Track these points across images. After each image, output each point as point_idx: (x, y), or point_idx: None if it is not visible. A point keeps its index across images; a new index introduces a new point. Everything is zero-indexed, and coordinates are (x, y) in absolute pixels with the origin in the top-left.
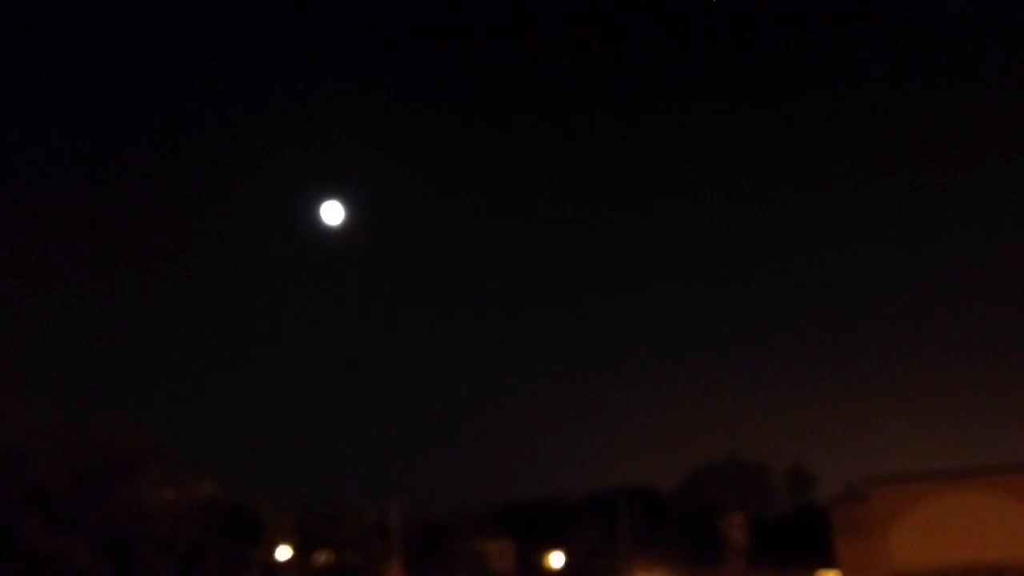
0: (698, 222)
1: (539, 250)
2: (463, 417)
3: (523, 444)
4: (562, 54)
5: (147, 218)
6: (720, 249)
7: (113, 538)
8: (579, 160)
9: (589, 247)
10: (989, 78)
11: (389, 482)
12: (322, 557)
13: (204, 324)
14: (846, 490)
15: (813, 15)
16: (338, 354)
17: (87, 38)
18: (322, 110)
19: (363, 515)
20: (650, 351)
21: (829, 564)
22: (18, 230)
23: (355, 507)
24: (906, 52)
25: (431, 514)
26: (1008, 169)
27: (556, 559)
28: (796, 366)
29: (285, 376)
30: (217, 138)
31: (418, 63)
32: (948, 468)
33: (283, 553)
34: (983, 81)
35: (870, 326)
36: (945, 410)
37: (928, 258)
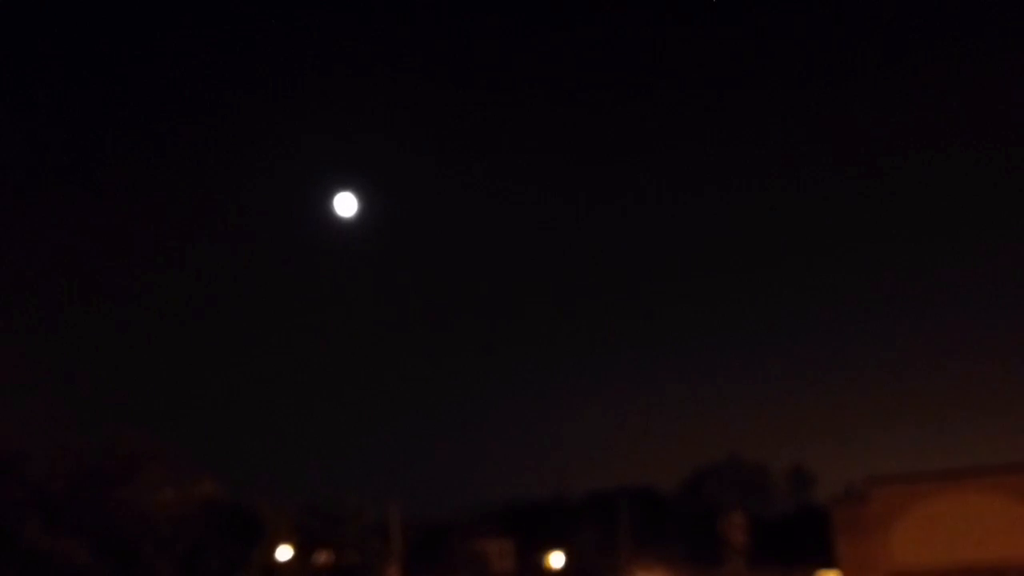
0: (697, 221)
1: (541, 248)
2: (463, 417)
3: (523, 444)
4: (581, 42)
5: (149, 216)
6: (720, 248)
7: (113, 538)
8: (587, 156)
9: (590, 246)
10: (987, 69)
11: (389, 482)
12: (322, 557)
13: (205, 323)
14: (846, 490)
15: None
16: (339, 353)
17: (98, 32)
18: (333, 101)
19: (363, 515)
20: (650, 351)
21: (829, 564)
22: (18, 229)
23: (355, 507)
24: (904, 43)
25: (431, 514)
26: (1009, 168)
27: (556, 559)
28: (796, 366)
29: (285, 375)
30: (226, 132)
31: (430, 53)
32: (948, 468)
33: (283, 553)
34: (982, 73)
35: (870, 326)
36: (945, 410)
37: (928, 257)
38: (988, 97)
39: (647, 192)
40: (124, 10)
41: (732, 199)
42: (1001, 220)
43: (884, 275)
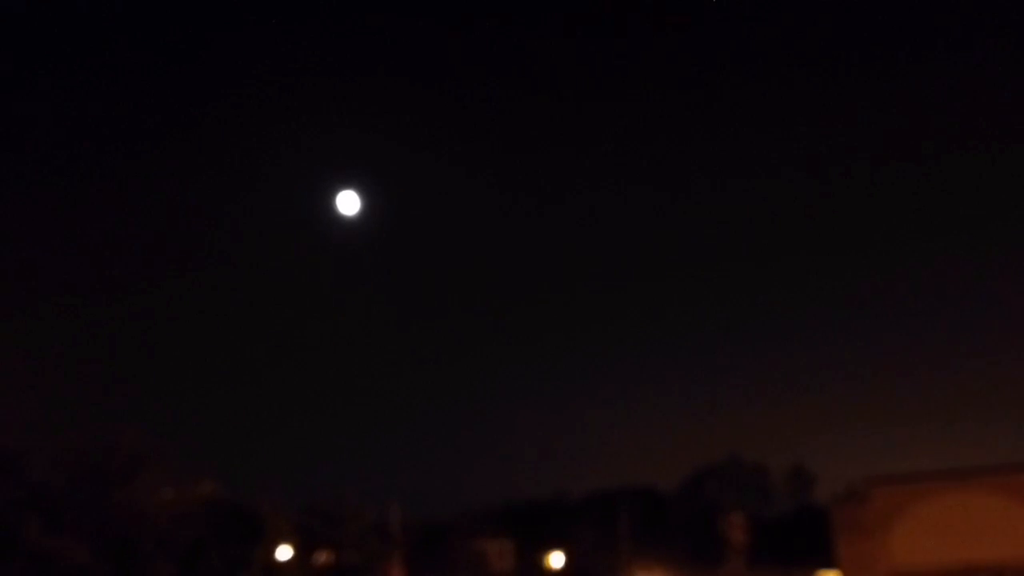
0: (698, 222)
1: (542, 248)
2: (463, 417)
3: (523, 444)
4: (581, 42)
5: (151, 216)
6: (720, 249)
7: (113, 538)
8: (588, 156)
9: (589, 246)
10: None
11: (389, 482)
12: (322, 557)
13: (205, 322)
14: (846, 490)
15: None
16: (339, 353)
17: (100, 34)
18: (335, 99)
19: (363, 515)
20: (650, 351)
21: (829, 564)
22: (19, 229)
23: (355, 507)
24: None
25: (431, 514)
26: (1010, 168)
27: (556, 559)
28: (796, 366)
29: (286, 375)
30: (227, 131)
31: (429, 53)
32: (948, 468)
33: (283, 553)
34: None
35: (870, 326)
36: (945, 410)
37: (928, 257)
38: (994, 97)
39: (648, 193)
40: (125, 11)
41: (732, 200)
42: (1002, 221)
43: (884, 275)
